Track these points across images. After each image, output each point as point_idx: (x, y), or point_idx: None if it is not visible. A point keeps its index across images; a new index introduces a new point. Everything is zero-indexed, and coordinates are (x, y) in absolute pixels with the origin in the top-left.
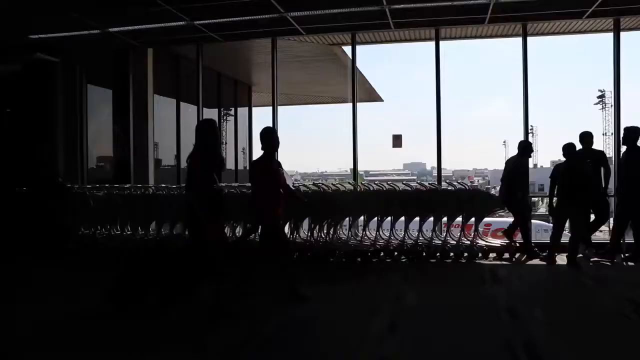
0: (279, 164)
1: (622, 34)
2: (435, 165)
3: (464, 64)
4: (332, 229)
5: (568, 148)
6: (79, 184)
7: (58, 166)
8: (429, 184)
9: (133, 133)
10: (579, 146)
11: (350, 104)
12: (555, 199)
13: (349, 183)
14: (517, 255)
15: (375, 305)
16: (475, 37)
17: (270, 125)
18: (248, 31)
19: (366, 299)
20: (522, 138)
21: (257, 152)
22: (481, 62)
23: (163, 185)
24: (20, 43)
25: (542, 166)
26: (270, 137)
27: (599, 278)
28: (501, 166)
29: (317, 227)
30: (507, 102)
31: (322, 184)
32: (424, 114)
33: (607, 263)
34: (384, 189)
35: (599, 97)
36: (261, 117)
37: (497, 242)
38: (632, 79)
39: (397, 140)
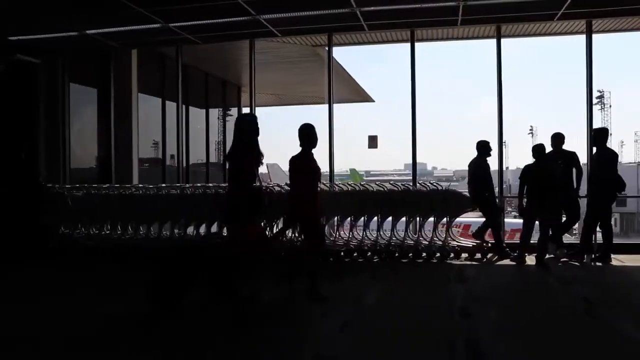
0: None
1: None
2: (437, 165)
3: (464, 63)
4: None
5: (537, 149)
6: (61, 183)
7: (39, 166)
8: (401, 184)
9: (116, 132)
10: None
11: (348, 105)
12: (525, 199)
13: (323, 184)
14: (489, 255)
15: (334, 304)
16: (451, 38)
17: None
18: (224, 33)
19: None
20: (520, 138)
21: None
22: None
23: (141, 185)
24: (0, 44)
25: None
26: (308, 133)
27: (563, 278)
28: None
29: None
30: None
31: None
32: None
33: (576, 263)
34: (358, 189)
35: (597, 97)
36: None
37: (469, 242)
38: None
39: (372, 142)
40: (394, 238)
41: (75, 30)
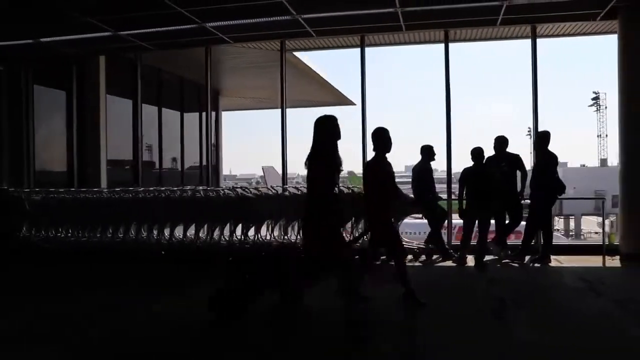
0: (390, 165)
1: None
2: (437, 167)
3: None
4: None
5: (476, 152)
6: (26, 187)
7: (1, 170)
8: (350, 187)
9: (80, 136)
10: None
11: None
12: (464, 202)
13: (271, 187)
14: (435, 257)
15: None
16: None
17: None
18: (180, 40)
19: None
20: (518, 140)
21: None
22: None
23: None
24: None
25: None
26: (382, 136)
27: (493, 279)
28: None
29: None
30: (512, 103)
31: (246, 189)
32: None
33: (515, 265)
34: (301, 192)
35: (593, 99)
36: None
37: (415, 244)
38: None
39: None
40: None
41: (31, 38)
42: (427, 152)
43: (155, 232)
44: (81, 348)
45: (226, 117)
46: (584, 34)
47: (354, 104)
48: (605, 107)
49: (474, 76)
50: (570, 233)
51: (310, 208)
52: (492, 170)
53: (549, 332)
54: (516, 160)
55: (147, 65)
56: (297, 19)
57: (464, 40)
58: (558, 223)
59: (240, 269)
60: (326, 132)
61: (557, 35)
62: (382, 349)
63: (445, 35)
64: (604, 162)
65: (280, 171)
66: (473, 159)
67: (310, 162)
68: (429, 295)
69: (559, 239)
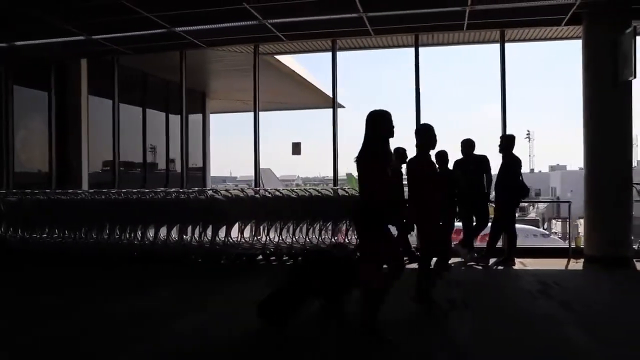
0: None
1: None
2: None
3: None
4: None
5: (440, 156)
6: (4, 188)
7: None
8: (314, 190)
9: (59, 138)
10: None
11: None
12: None
13: (242, 190)
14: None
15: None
16: (455, 43)
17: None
18: (155, 44)
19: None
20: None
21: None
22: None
23: (70, 190)
24: None
25: (540, 171)
26: (425, 133)
27: (451, 281)
28: None
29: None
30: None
31: (221, 191)
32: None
33: (479, 267)
34: (271, 195)
35: None
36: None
37: None
38: None
39: (296, 148)
40: (307, 241)
41: (6, 42)
42: (399, 155)
43: (128, 233)
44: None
45: (227, 118)
46: (551, 39)
47: (343, 107)
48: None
49: (474, 79)
50: (567, 236)
51: (362, 208)
52: (456, 174)
53: (480, 333)
54: (482, 162)
55: (130, 67)
56: (264, 24)
57: (435, 44)
58: (556, 226)
59: (293, 271)
60: (379, 127)
61: (526, 40)
62: None
63: (415, 40)
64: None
65: (294, 175)
66: (437, 162)
67: (361, 160)
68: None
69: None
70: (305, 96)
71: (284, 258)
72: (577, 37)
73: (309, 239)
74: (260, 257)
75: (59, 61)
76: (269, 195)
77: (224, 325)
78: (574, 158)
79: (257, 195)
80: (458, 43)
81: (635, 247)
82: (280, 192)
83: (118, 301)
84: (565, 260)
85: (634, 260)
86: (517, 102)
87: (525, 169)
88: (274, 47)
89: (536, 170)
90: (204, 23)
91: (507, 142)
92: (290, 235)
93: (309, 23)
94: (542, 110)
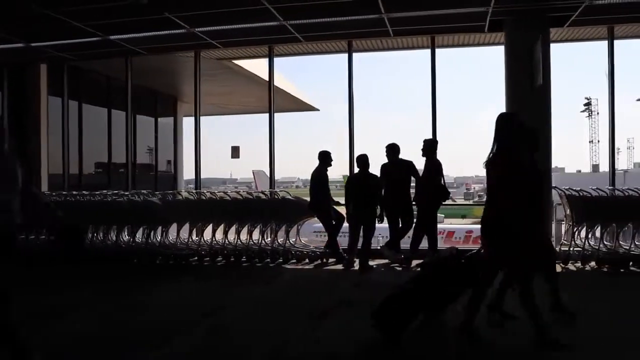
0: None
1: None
2: None
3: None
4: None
5: (360, 159)
6: None
7: None
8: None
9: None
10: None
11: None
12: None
13: (178, 193)
14: (331, 260)
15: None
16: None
17: None
18: (99, 51)
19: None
20: None
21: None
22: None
23: None
24: None
25: None
26: (506, 125)
27: (363, 281)
28: None
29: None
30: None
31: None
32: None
33: (399, 268)
34: (206, 198)
35: (585, 104)
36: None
37: (313, 247)
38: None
39: (235, 152)
40: (239, 242)
41: None
42: (325, 158)
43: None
44: None
45: (227, 120)
46: (478, 44)
47: (317, 110)
48: (597, 113)
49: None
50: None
51: (495, 215)
52: (374, 177)
53: (349, 328)
54: (409, 166)
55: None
56: (284, 25)
57: (450, 46)
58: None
59: (415, 279)
60: (511, 130)
61: (454, 46)
62: None
63: (432, 41)
64: (595, 167)
65: (294, 177)
66: (358, 165)
67: (492, 165)
68: (293, 296)
69: None
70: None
71: (218, 259)
72: (499, 43)
73: (240, 240)
74: (195, 257)
75: (15, 64)
76: (204, 198)
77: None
78: (573, 161)
79: (192, 197)
80: (389, 49)
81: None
82: (214, 195)
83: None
84: None
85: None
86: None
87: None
88: (288, 49)
89: None
90: (225, 24)
91: (429, 147)
92: (224, 237)
93: (328, 24)
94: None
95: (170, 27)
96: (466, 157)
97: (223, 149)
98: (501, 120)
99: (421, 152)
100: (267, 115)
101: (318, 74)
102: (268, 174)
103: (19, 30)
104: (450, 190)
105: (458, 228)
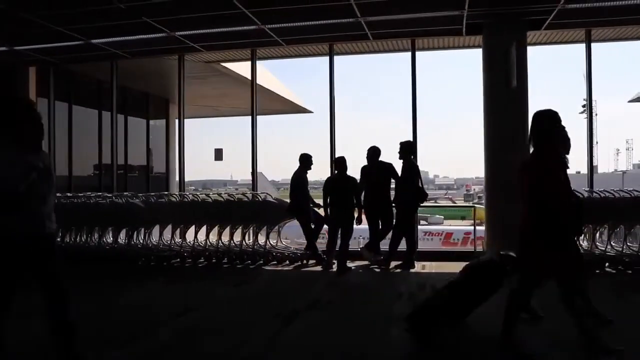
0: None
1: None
2: (438, 173)
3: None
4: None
5: (337, 162)
6: None
7: None
8: (228, 195)
9: None
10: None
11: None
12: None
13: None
14: (311, 261)
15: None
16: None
17: None
18: (84, 54)
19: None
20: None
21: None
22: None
23: None
24: None
25: None
26: (545, 122)
27: (336, 283)
28: None
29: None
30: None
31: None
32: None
33: (377, 270)
34: (189, 200)
35: (583, 106)
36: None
37: (294, 249)
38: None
39: (218, 154)
40: (220, 244)
41: None
42: (305, 161)
43: None
44: None
45: (229, 122)
46: (460, 47)
47: (311, 112)
48: (596, 114)
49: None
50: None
51: (536, 216)
52: (352, 180)
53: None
54: (388, 169)
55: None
56: (263, 29)
57: (431, 49)
58: None
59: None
60: (550, 127)
61: (436, 49)
62: None
63: (412, 44)
64: (595, 169)
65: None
66: (335, 167)
67: (530, 164)
68: (261, 297)
69: None
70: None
71: (200, 260)
72: (478, 46)
73: (222, 242)
74: (178, 259)
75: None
76: (186, 200)
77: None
78: (574, 162)
79: (175, 200)
80: (370, 52)
81: None
82: (196, 197)
83: None
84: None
85: None
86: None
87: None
88: (271, 52)
89: None
90: (205, 27)
91: (405, 149)
92: (206, 238)
93: (308, 28)
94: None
95: (150, 31)
96: (466, 159)
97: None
98: (540, 118)
99: (398, 155)
100: (265, 117)
101: (318, 76)
102: (261, 175)
103: (0, 34)
104: (451, 191)
105: (456, 229)
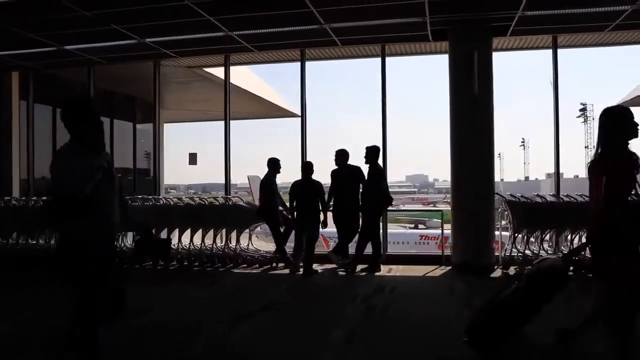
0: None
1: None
2: (438, 177)
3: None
4: None
5: (304, 166)
6: None
7: None
8: (199, 198)
9: None
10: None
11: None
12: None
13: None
14: (280, 264)
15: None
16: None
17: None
18: (60, 60)
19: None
20: (513, 150)
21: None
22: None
23: None
24: None
25: (536, 178)
26: (617, 121)
27: (298, 285)
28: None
29: None
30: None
31: None
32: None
33: (343, 273)
34: (160, 204)
35: (580, 110)
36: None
37: (262, 252)
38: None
39: (192, 159)
40: (192, 247)
41: None
42: (273, 165)
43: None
44: None
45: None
46: (429, 53)
47: (299, 116)
48: (593, 119)
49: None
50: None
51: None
52: (316, 184)
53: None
54: (356, 172)
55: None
56: (230, 35)
57: (400, 54)
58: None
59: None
60: (620, 126)
61: (406, 54)
62: None
63: (382, 49)
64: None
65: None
66: (302, 172)
67: (597, 165)
68: (223, 299)
69: None
70: (253, 107)
71: (172, 263)
72: (445, 52)
73: (194, 245)
74: (150, 262)
75: None
76: (159, 204)
77: None
78: (570, 166)
79: (148, 203)
80: (342, 57)
81: (499, 254)
82: (169, 201)
83: None
84: (432, 267)
85: (499, 268)
86: (515, 110)
87: (520, 176)
88: (245, 58)
89: (532, 178)
90: (174, 34)
91: (371, 153)
92: (178, 241)
93: (277, 34)
94: (538, 119)
95: (121, 38)
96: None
97: (218, 154)
98: (610, 116)
99: (364, 159)
100: (263, 120)
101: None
102: (257, 178)
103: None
104: (448, 195)
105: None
